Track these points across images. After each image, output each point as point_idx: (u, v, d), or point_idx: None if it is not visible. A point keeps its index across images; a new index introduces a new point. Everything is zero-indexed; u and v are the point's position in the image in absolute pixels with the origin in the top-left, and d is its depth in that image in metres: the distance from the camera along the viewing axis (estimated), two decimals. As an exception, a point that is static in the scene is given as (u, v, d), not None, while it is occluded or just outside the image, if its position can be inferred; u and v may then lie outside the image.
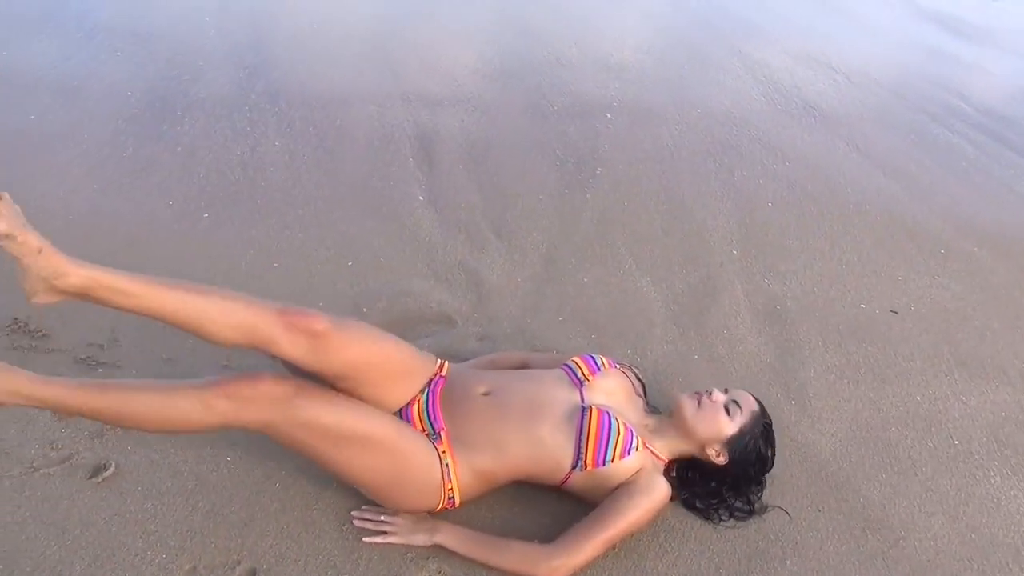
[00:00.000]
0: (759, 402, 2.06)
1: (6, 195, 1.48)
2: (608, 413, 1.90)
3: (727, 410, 1.97)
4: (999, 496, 2.21)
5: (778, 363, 2.56)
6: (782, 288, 2.91)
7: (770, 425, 2.04)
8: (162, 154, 3.10)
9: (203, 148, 3.17)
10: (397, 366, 1.87)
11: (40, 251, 1.49)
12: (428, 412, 1.88)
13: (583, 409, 1.90)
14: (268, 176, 3.06)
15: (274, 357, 1.71)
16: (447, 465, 1.83)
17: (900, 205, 3.55)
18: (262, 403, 1.64)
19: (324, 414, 1.68)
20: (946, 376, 2.62)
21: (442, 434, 1.85)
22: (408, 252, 2.80)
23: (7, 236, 1.46)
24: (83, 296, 1.56)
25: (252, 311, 1.64)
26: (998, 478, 2.27)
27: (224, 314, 1.62)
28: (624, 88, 4.28)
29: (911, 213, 3.50)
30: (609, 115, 3.94)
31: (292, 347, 1.65)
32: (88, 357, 2.16)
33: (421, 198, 3.10)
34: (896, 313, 2.87)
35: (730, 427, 1.96)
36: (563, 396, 1.95)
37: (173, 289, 1.59)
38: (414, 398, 1.90)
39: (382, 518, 1.85)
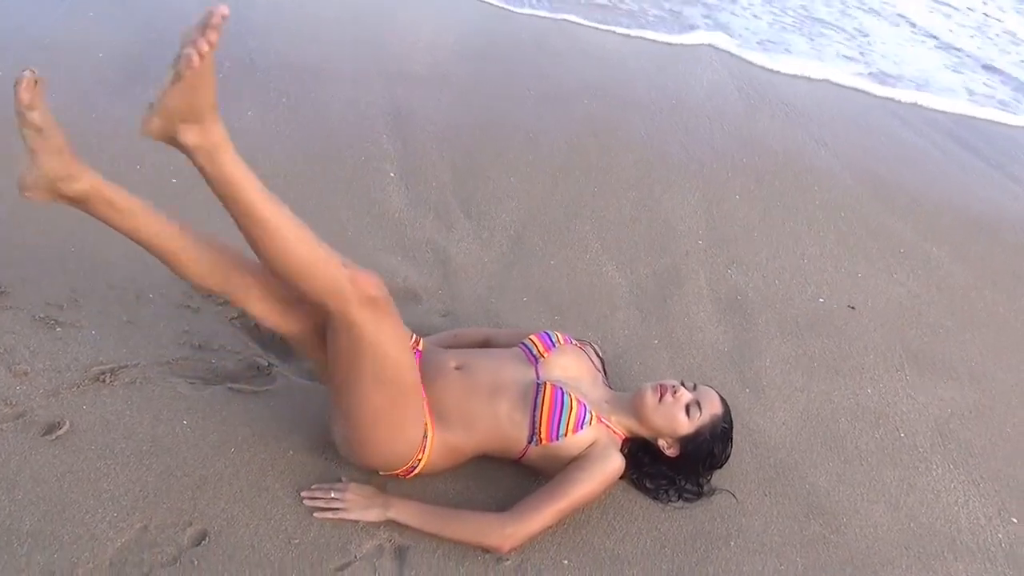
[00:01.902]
0: (725, 404, 2.04)
1: (41, 79, 1.43)
2: (561, 389, 1.93)
3: (687, 410, 1.97)
4: (939, 488, 2.28)
5: (735, 352, 2.61)
6: (744, 279, 2.96)
7: (729, 428, 2.04)
8: (131, 117, 3.04)
9: (174, 114, 3.13)
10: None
11: (60, 151, 1.47)
12: None
13: (538, 385, 1.94)
14: (237, 144, 3.03)
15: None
16: (427, 435, 1.86)
17: (864, 204, 3.62)
18: (371, 304, 1.61)
19: (395, 348, 1.68)
20: (897, 371, 2.69)
21: (424, 404, 1.87)
22: (376, 227, 2.81)
23: (38, 129, 1.42)
24: (78, 204, 1.56)
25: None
26: (940, 471, 2.35)
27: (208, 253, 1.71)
28: (602, 75, 4.31)
29: (874, 212, 3.57)
30: (586, 100, 3.96)
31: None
32: (47, 316, 2.14)
33: (392, 174, 3.10)
34: (853, 308, 2.94)
35: (686, 427, 1.97)
36: (519, 374, 1.98)
37: (166, 220, 1.65)
38: None
39: (332, 495, 1.85)
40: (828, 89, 4.90)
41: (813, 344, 2.72)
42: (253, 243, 1.56)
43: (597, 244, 2.97)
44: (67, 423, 1.87)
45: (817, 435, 2.38)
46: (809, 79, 4.95)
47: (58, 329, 2.12)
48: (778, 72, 4.92)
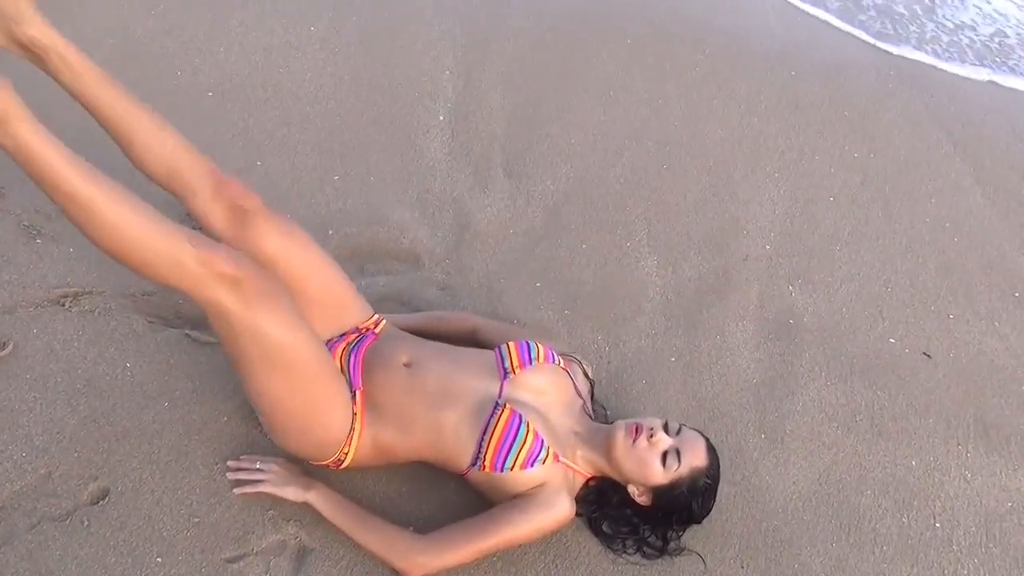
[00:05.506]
0: (712, 455, 1.78)
1: None
2: (520, 416, 1.71)
3: (664, 459, 1.72)
4: (961, 601, 1.93)
5: (764, 387, 2.28)
6: (805, 300, 2.57)
7: (713, 485, 1.79)
8: (189, 21, 2.94)
9: (235, 20, 2.99)
10: (325, 291, 1.78)
11: None
12: (349, 367, 1.75)
13: (495, 405, 1.73)
14: (290, 62, 2.88)
15: (187, 213, 1.70)
16: (354, 428, 1.71)
17: (988, 230, 3.06)
18: (232, 288, 1.45)
19: (279, 331, 1.52)
20: (958, 444, 2.28)
21: (358, 394, 1.73)
22: (403, 175, 2.60)
23: None
24: (32, 55, 1.53)
25: (188, 155, 1.63)
26: (970, 578, 1.98)
27: (160, 142, 1.60)
28: (710, 26, 3.80)
29: (997, 242, 3.02)
30: (694, 52, 3.51)
31: (209, 211, 1.63)
32: (31, 225, 2.10)
33: (441, 117, 2.86)
34: (929, 357, 2.50)
35: (660, 477, 1.73)
36: (480, 386, 1.77)
37: (124, 93, 1.58)
38: (336, 342, 1.79)
39: (258, 466, 1.75)
40: (987, 85, 4.17)
41: (863, 393, 2.34)
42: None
43: (644, 231, 2.65)
44: (11, 345, 1.84)
45: (830, 505, 2.05)
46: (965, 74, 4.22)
47: (38, 241, 2.08)
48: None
